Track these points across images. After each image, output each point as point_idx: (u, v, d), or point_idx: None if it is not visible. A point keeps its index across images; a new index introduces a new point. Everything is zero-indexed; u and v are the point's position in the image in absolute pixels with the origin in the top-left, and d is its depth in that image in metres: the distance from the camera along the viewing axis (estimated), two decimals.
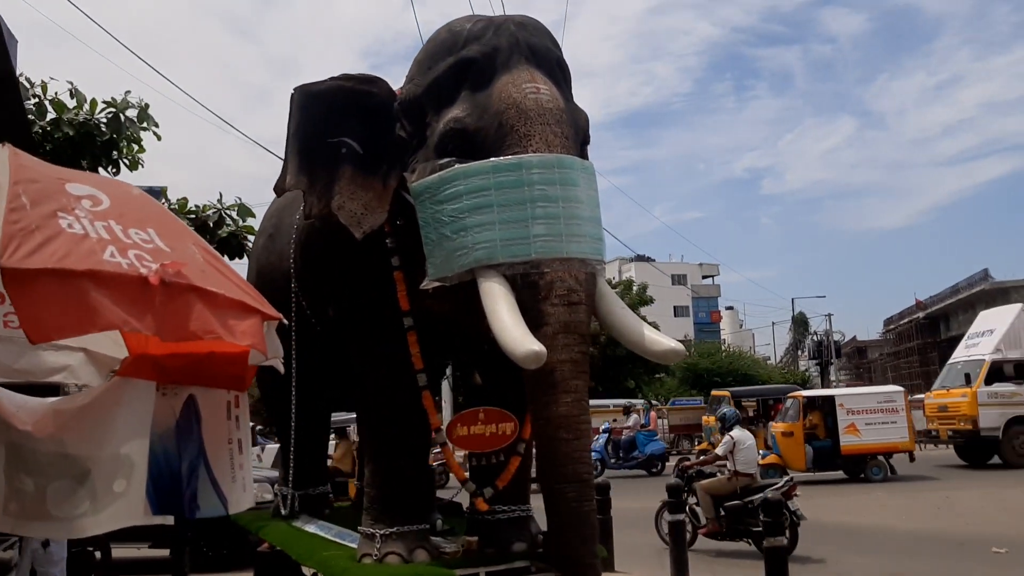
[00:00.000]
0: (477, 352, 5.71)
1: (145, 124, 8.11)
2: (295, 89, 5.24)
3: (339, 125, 5.15)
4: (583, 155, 4.88)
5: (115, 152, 8.03)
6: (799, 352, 60.14)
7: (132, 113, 8.00)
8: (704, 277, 77.81)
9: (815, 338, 51.45)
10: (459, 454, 6.70)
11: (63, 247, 2.37)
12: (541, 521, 4.99)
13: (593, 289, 4.59)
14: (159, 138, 8.33)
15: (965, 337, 21.35)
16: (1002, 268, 64.00)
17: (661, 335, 4.71)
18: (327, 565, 5.32)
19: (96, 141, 7.81)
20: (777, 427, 17.34)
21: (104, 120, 7.86)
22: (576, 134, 4.79)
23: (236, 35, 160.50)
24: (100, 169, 8.07)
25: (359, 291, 5.55)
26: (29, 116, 7.42)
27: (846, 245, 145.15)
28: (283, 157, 5.39)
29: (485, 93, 4.67)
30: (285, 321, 2.62)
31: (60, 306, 2.24)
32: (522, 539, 5.30)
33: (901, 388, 18.65)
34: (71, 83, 7.80)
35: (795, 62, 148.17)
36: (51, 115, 7.65)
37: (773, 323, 77.62)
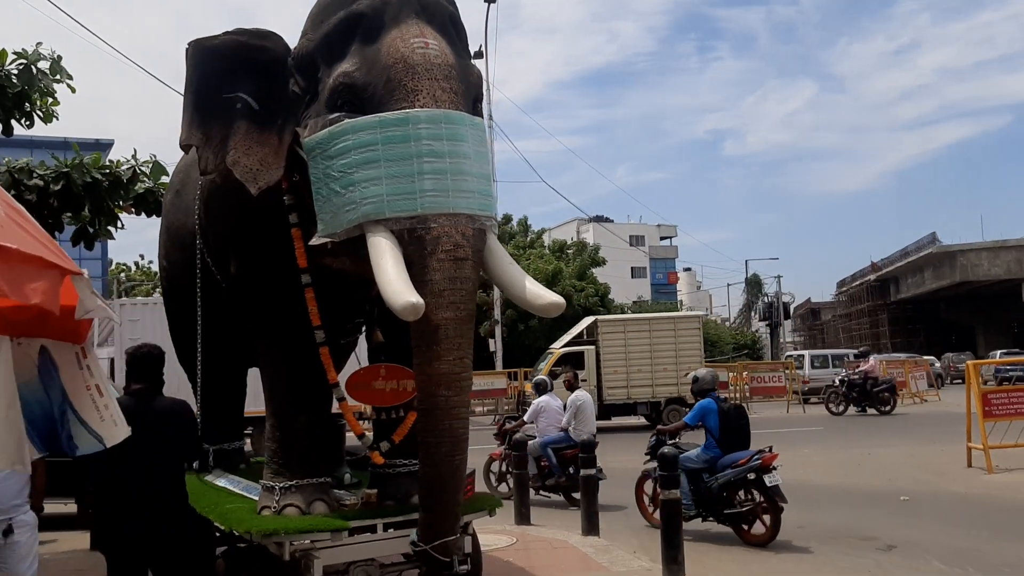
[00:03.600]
0: (381, 309, 5.77)
1: (58, 76, 7.97)
2: (189, 44, 5.20)
3: (234, 80, 5.12)
4: (475, 112, 4.88)
5: (27, 104, 7.88)
6: (752, 314, 60.92)
7: (44, 65, 7.86)
8: (662, 238, 78.26)
9: (766, 300, 52.20)
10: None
11: None
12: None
13: (481, 245, 4.64)
14: (73, 90, 8.22)
15: None
16: (953, 232, 65.06)
17: (542, 289, 4.80)
18: (227, 517, 5.38)
19: (7, 93, 7.66)
20: None
21: (15, 72, 7.71)
22: (467, 90, 4.79)
23: None
24: (13, 122, 7.95)
25: (258, 248, 5.56)
26: None
27: (805, 207, 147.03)
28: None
29: (374, 47, 4.66)
30: (85, 273, 2.64)
31: None
32: None
33: None
34: None
35: (758, 23, 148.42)
36: None
37: (728, 284, 78.51)
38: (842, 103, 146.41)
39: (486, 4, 26.04)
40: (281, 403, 5.50)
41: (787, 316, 46.94)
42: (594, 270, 37.29)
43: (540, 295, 4.74)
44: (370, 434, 5.67)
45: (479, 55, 27.06)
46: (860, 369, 23.59)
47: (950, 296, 53.11)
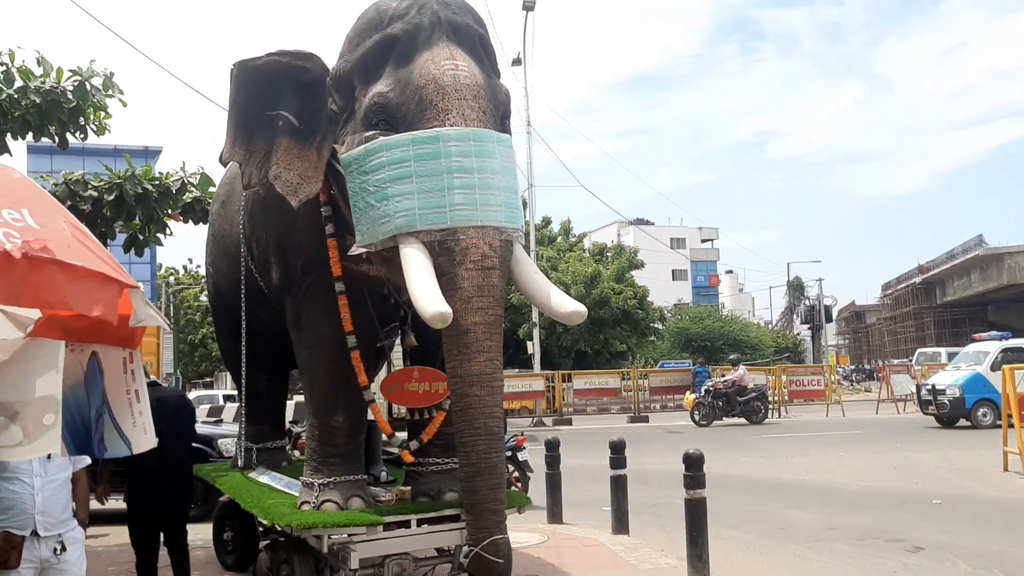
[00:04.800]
0: (414, 313, 6.04)
1: (111, 92, 8.42)
2: (234, 64, 5.50)
3: (276, 99, 5.42)
4: (504, 129, 5.15)
5: (81, 119, 8.33)
6: (794, 317, 60.56)
7: (97, 81, 8.31)
8: (703, 241, 78.04)
9: (807, 303, 51.78)
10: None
11: None
12: None
13: (508, 255, 4.90)
14: (125, 105, 8.67)
15: None
16: (1001, 234, 63.89)
17: (566, 298, 5.07)
18: (269, 511, 5.69)
19: (63, 108, 8.10)
20: None
21: (70, 88, 8.15)
22: (495, 109, 5.05)
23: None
24: (68, 135, 8.41)
25: (297, 257, 5.87)
26: None
27: (850, 209, 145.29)
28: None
29: (407, 69, 4.93)
30: (138, 286, 2.96)
31: None
32: (453, 489, 5.59)
33: None
34: (38, 52, 8.06)
35: (802, 24, 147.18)
36: (18, 83, 7.94)
37: (771, 288, 78.04)
38: (889, 103, 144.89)
39: (525, 12, 26.25)
40: (320, 404, 5.78)
41: (829, 319, 46.53)
42: (633, 273, 37.40)
43: (562, 303, 4.99)
44: (400, 433, 5.96)
45: (517, 62, 27.32)
46: (728, 378, 22.40)
47: (998, 299, 52.22)
